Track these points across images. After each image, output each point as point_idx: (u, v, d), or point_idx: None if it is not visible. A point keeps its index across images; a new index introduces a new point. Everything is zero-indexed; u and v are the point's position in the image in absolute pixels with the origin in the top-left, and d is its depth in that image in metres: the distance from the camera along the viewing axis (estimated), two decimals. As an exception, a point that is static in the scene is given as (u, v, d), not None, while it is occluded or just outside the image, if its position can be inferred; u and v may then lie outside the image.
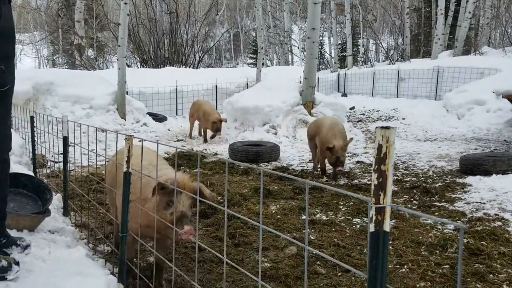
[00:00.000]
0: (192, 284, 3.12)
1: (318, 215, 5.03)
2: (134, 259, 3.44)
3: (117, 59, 12.09)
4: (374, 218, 1.12)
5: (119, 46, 11.95)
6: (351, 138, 7.08)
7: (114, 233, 3.81)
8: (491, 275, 3.48)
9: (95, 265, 2.97)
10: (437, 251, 3.97)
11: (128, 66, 20.01)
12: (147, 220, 2.78)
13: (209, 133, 10.31)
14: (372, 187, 1.13)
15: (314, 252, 3.94)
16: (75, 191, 4.88)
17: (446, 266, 3.64)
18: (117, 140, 3.07)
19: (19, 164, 5.45)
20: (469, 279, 3.42)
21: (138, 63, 23.32)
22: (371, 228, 1.13)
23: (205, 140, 10.33)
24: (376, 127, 1.11)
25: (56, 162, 6.38)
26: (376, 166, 1.12)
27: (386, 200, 1.12)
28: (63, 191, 4.56)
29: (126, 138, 2.67)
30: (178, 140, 10.55)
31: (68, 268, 2.68)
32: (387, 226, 1.13)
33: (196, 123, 10.91)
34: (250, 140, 9.28)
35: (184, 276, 2.86)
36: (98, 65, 27.80)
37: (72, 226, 4.10)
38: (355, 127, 12.03)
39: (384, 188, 1.12)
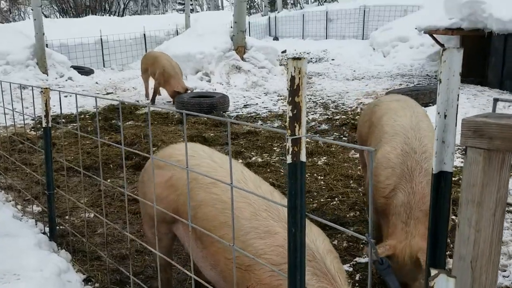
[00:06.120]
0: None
1: (253, 158, 5.11)
2: (67, 217, 3.36)
3: (32, 9, 11.20)
4: (290, 149, 1.15)
5: (32, -6, 11.04)
6: None
7: None
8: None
9: (23, 226, 2.87)
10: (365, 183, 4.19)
11: (46, 16, 18.64)
12: None
13: (163, 94, 8.81)
14: (287, 119, 1.14)
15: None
16: (-3, 152, 4.61)
17: (374, 195, 3.86)
18: (33, 94, 2.89)
19: None
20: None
21: (57, 13, 21.81)
22: (289, 159, 1.15)
23: (153, 101, 8.63)
24: (288, 58, 1.10)
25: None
26: (290, 98, 1.13)
27: (301, 131, 1.14)
28: (-17, 153, 4.30)
29: (41, 91, 2.52)
30: (108, 93, 10.13)
31: (-7, 231, 2.57)
32: (303, 157, 1.15)
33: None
34: (196, 92, 8.78)
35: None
36: (13, 18, 25.71)
37: (-4, 188, 3.91)
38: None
39: (299, 119, 1.13)
